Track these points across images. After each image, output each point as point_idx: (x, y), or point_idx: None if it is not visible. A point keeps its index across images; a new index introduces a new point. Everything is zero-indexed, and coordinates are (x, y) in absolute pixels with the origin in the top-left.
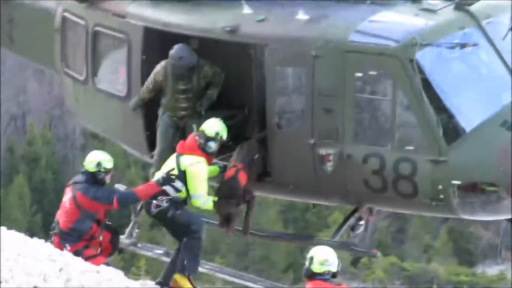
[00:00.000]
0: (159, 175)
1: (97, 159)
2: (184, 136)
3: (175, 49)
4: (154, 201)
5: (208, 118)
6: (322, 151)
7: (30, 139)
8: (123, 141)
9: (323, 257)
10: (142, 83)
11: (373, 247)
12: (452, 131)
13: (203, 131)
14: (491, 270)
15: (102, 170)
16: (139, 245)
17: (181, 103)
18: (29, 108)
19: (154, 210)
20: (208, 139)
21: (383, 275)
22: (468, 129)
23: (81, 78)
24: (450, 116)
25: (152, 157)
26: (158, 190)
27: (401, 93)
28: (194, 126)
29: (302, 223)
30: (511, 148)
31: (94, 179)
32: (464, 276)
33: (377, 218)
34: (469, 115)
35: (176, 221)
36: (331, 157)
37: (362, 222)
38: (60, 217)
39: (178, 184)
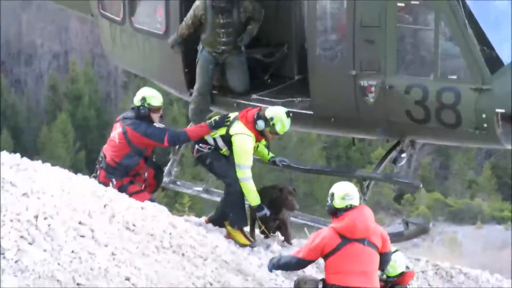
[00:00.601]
0: (214, 118)
1: (142, 94)
2: (223, 72)
3: None
4: (196, 146)
5: (247, 54)
6: (364, 83)
7: (73, 77)
8: (162, 80)
9: (343, 192)
10: (181, 20)
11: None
12: (495, 60)
13: (264, 109)
14: None
15: (146, 105)
16: (178, 182)
17: (221, 38)
18: (71, 46)
19: (195, 154)
20: (261, 118)
21: (426, 211)
22: (510, 58)
23: (118, 18)
24: (493, 46)
25: (190, 94)
26: (208, 132)
27: (444, 23)
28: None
29: (344, 160)
30: None
31: (138, 114)
32: (508, 211)
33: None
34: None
35: (213, 169)
36: (372, 89)
37: (404, 155)
38: (108, 151)
39: (219, 142)
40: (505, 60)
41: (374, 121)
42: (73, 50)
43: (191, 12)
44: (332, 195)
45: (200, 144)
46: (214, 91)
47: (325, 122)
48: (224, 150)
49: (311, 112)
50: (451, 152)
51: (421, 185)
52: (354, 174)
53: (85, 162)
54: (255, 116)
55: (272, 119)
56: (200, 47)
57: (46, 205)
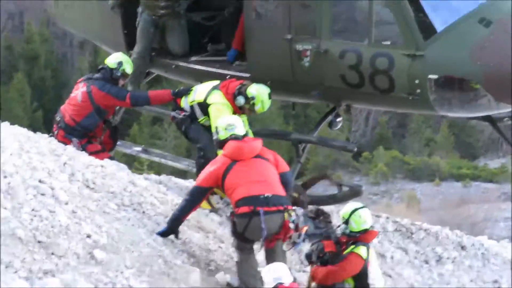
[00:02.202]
0: (181, 87)
1: (120, 58)
2: (163, 35)
3: None
4: (171, 113)
5: (187, 18)
6: (299, 47)
7: (28, 37)
8: (102, 41)
9: (226, 123)
10: None
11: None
12: (429, 26)
13: (247, 85)
14: (493, 163)
15: (120, 69)
16: (118, 142)
17: (160, 2)
18: (26, 6)
19: (171, 120)
20: (242, 94)
21: (385, 168)
22: (445, 25)
23: None
24: (427, 13)
25: (130, 55)
26: (170, 99)
27: None
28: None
29: (302, 119)
30: (489, 43)
31: (110, 75)
32: (466, 169)
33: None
34: (447, 12)
35: (187, 135)
36: (308, 53)
37: (339, 119)
38: (67, 111)
39: (197, 110)
40: (439, 26)
41: (310, 85)
42: (28, 10)
43: None
44: (216, 128)
45: (176, 111)
46: (153, 53)
47: None
48: (202, 119)
49: (248, 75)
50: None
51: (356, 148)
52: (289, 137)
53: (42, 122)
54: (236, 91)
55: (253, 98)
56: (140, 9)
57: (6, 163)
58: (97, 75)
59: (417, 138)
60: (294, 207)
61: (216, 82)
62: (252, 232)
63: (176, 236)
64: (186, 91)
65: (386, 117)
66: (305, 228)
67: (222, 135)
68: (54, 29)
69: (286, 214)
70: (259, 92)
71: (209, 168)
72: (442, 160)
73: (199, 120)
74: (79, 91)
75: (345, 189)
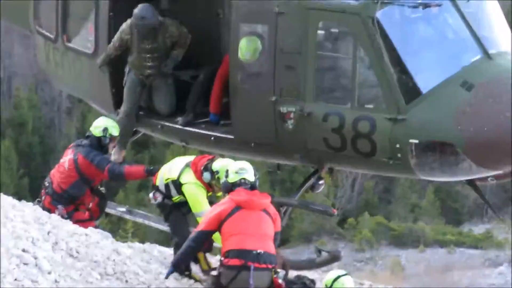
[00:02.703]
0: (156, 166)
1: (104, 124)
2: (150, 95)
3: (139, 9)
4: (150, 194)
5: (175, 77)
6: (283, 109)
7: (16, 103)
8: (91, 99)
9: (237, 167)
10: (109, 40)
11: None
12: (412, 90)
13: (214, 160)
14: (478, 229)
15: (108, 136)
16: None
17: (147, 62)
18: (14, 72)
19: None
20: (207, 169)
21: (370, 235)
22: (427, 88)
23: (52, 36)
24: (410, 76)
25: (117, 114)
26: (144, 176)
27: (362, 52)
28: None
29: (289, 184)
30: (470, 108)
31: (99, 144)
32: (451, 235)
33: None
34: (429, 75)
35: (166, 221)
36: (292, 115)
37: (322, 182)
38: (55, 177)
39: (172, 189)
40: (421, 90)
41: (293, 148)
42: (16, 76)
43: (118, 35)
44: (227, 171)
45: (154, 193)
46: (141, 112)
47: (245, 147)
48: (177, 198)
49: (232, 137)
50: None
51: (336, 213)
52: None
53: (28, 189)
54: (203, 167)
55: (217, 172)
56: (127, 69)
57: None
58: (85, 142)
59: (403, 203)
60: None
61: (190, 159)
62: (235, 285)
63: (182, 273)
64: (157, 170)
65: (373, 182)
66: None
67: (232, 178)
68: (43, 94)
69: (273, 272)
70: (223, 165)
71: (213, 211)
72: (427, 226)
73: (174, 198)
74: (67, 157)
75: (324, 254)
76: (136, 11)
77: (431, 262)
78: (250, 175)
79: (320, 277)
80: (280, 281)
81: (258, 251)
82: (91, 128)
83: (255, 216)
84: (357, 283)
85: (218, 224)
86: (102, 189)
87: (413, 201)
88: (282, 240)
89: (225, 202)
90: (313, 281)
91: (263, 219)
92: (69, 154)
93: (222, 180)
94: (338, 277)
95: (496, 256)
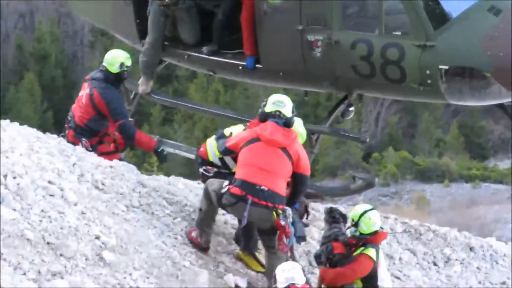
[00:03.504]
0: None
1: (119, 60)
2: (174, 24)
3: None
4: (200, 169)
5: (198, 7)
6: (311, 37)
7: (39, 36)
8: (115, 30)
9: (275, 98)
10: None
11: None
12: (439, 16)
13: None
14: (502, 164)
15: (125, 69)
16: None
17: None
18: (37, 5)
19: (201, 178)
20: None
21: (394, 169)
22: (455, 14)
23: None
24: (437, 2)
25: (143, 45)
26: (150, 150)
27: None
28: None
29: (312, 118)
30: (498, 32)
31: (116, 78)
32: (476, 170)
33: (387, 113)
34: (456, 1)
35: None
36: (319, 43)
37: (352, 109)
38: (76, 111)
39: (229, 161)
40: (449, 16)
41: (321, 75)
42: (39, 10)
43: None
44: (266, 101)
45: (205, 167)
46: (166, 42)
47: (273, 76)
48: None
49: (260, 66)
50: (418, 111)
51: (368, 139)
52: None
53: (52, 122)
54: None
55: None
56: None
57: (15, 164)
58: (99, 75)
59: (427, 138)
60: (285, 207)
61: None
62: (233, 211)
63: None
64: (164, 157)
65: (396, 118)
66: (287, 231)
67: (268, 108)
68: (65, 28)
69: (274, 213)
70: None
71: (238, 135)
72: (452, 161)
73: (233, 170)
74: (84, 92)
75: (358, 181)
76: None
77: (456, 197)
78: (287, 109)
79: (346, 211)
80: (282, 222)
81: (262, 187)
82: (105, 63)
83: (271, 152)
84: (382, 217)
85: (238, 148)
86: (130, 109)
87: (437, 136)
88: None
89: (250, 130)
90: (344, 216)
91: (278, 156)
92: (86, 88)
93: (260, 108)
94: (365, 211)
95: None
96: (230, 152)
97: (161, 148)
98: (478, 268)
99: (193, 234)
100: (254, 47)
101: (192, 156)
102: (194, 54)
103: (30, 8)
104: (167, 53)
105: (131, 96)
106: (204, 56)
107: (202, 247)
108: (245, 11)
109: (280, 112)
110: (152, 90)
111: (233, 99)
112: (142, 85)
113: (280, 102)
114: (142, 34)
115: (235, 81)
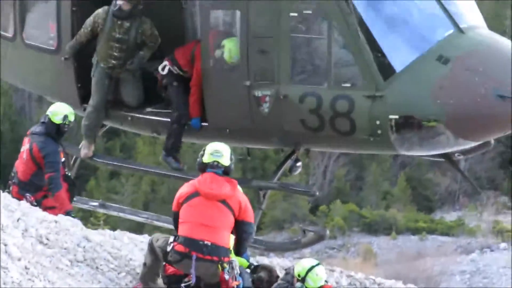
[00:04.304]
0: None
1: (63, 112)
2: (117, 87)
3: None
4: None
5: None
6: (258, 93)
7: None
8: (54, 95)
9: (213, 148)
10: (73, 35)
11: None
12: (388, 67)
13: None
14: (449, 216)
15: (67, 123)
16: (74, 198)
17: (114, 52)
18: None
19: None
20: None
21: (341, 222)
22: (404, 64)
23: (9, 35)
24: (386, 53)
25: (84, 109)
26: (62, 211)
27: (336, 31)
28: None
29: (261, 172)
30: (448, 81)
31: (57, 130)
32: (423, 222)
33: (335, 166)
34: (405, 51)
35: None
36: (267, 98)
37: (299, 164)
38: (19, 167)
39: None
40: (398, 66)
41: (269, 131)
42: None
43: (90, 19)
44: (203, 151)
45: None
46: (107, 105)
47: (220, 133)
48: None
49: (206, 124)
50: (366, 163)
51: (317, 193)
52: (250, 184)
53: None
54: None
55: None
56: (95, 59)
57: None
58: (39, 129)
59: (375, 191)
60: (231, 259)
61: None
62: (180, 268)
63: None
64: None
65: (344, 170)
66: (235, 283)
67: (206, 158)
68: None
69: (219, 266)
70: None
71: (178, 192)
72: (399, 213)
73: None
74: (25, 147)
75: (309, 234)
76: None
77: (403, 249)
78: (225, 159)
79: (292, 264)
80: (226, 276)
81: (205, 242)
82: (48, 114)
83: (211, 206)
84: (328, 270)
85: (179, 205)
86: (69, 174)
87: (384, 189)
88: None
89: (189, 184)
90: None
91: (218, 210)
92: (26, 143)
93: (198, 158)
94: (312, 267)
95: (467, 243)
96: (176, 214)
97: (72, 214)
98: None
99: None
100: (199, 109)
101: (137, 218)
102: (138, 115)
103: None
104: (109, 116)
105: (71, 162)
106: (147, 117)
107: None
108: (196, 76)
109: (218, 162)
110: (94, 154)
111: (181, 152)
112: (84, 149)
113: (217, 152)
114: (83, 99)
115: None
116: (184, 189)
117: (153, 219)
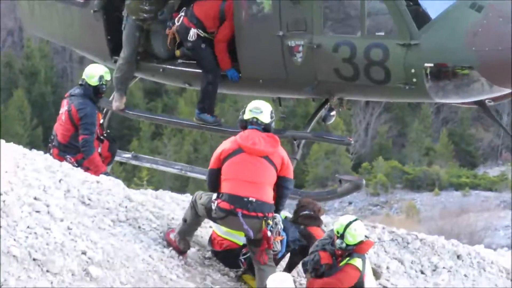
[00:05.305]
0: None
1: (99, 72)
2: (148, 39)
3: None
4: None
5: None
6: (291, 43)
7: (28, 53)
8: (84, 48)
9: (253, 105)
10: None
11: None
12: (422, 15)
13: None
14: (492, 171)
15: (104, 83)
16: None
17: (144, 6)
18: None
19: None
20: None
21: (384, 179)
22: (438, 12)
23: None
24: (420, 1)
25: (115, 61)
26: (99, 173)
27: None
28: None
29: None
30: (482, 28)
31: (95, 92)
32: (466, 177)
33: (377, 122)
34: (438, 1)
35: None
36: (300, 48)
37: (333, 113)
38: (58, 130)
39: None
40: (432, 14)
41: (302, 81)
42: None
43: None
44: (244, 108)
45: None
46: (138, 57)
47: (253, 84)
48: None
49: (240, 74)
50: (408, 120)
51: (352, 142)
52: (284, 134)
53: (42, 139)
54: None
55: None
56: (125, 13)
57: (1, 181)
58: (78, 91)
59: (417, 147)
60: (274, 215)
61: None
62: (225, 224)
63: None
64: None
65: (386, 127)
66: (279, 238)
67: (246, 115)
68: (53, 44)
69: (263, 222)
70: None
71: (218, 149)
72: (442, 169)
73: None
74: (63, 109)
75: (345, 183)
76: None
77: (446, 205)
78: (264, 116)
79: (333, 221)
80: (269, 233)
81: (250, 198)
82: (84, 77)
83: (255, 162)
84: (370, 227)
85: (220, 162)
86: (109, 132)
87: (427, 145)
88: (297, 185)
89: (231, 141)
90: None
91: (262, 166)
92: (65, 105)
93: (240, 116)
94: (350, 223)
95: (511, 198)
96: (214, 171)
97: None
98: (465, 275)
99: (171, 236)
100: (230, 62)
101: (170, 169)
102: (170, 66)
103: (18, 25)
104: (141, 68)
105: (103, 113)
106: (179, 68)
107: (180, 251)
108: (228, 31)
109: (257, 119)
110: (126, 106)
111: (223, 112)
112: (116, 101)
113: (257, 109)
114: (113, 51)
115: (224, 94)
116: (227, 145)
117: (187, 170)
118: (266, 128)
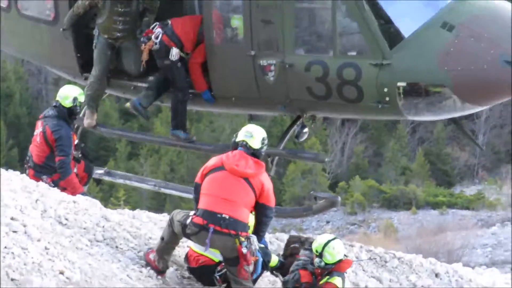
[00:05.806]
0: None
1: (73, 94)
2: (119, 58)
3: None
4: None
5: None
6: (263, 62)
7: (3, 75)
8: (53, 65)
9: (246, 129)
10: (70, 6)
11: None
12: (394, 35)
13: None
14: (469, 190)
15: (77, 105)
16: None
17: (118, 25)
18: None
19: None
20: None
21: (361, 198)
22: (409, 32)
23: (4, 5)
24: (391, 21)
25: (85, 78)
26: (75, 194)
27: (341, 0)
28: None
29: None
30: (454, 48)
31: (69, 114)
32: (443, 196)
33: (353, 142)
34: (409, 19)
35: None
36: (272, 67)
37: (306, 130)
38: (33, 151)
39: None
40: (404, 34)
41: (275, 99)
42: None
43: None
44: (239, 131)
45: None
46: (109, 75)
47: (225, 102)
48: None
49: (212, 92)
50: (384, 140)
51: (326, 158)
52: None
53: (18, 159)
54: None
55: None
56: (96, 31)
57: None
58: (51, 112)
59: (393, 166)
60: (249, 235)
61: None
62: (197, 240)
63: None
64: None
65: (362, 147)
66: (253, 259)
67: (238, 138)
68: (28, 66)
69: (236, 240)
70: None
71: (205, 164)
72: (418, 188)
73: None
74: (38, 130)
75: (320, 200)
76: None
77: (423, 223)
78: (254, 141)
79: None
80: (244, 250)
81: (223, 215)
82: (58, 98)
83: (234, 182)
84: (348, 245)
85: (202, 177)
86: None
87: (403, 164)
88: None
89: (218, 157)
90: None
91: (240, 186)
92: (39, 127)
93: (233, 138)
94: (328, 241)
95: (488, 216)
96: (199, 186)
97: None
98: None
99: (151, 256)
100: (205, 82)
101: (144, 185)
102: (141, 84)
103: None
104: (111, 85)
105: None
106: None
107: (158, 270)
108: (202, 53)
109: (246, 142)
110: (97, 123)
111: (199, 132)
112: (87, 118)
113: (248, 133)
114: (83, 67)
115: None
116: (211, 162)
117: (161, 186)
118: (255, 154)
